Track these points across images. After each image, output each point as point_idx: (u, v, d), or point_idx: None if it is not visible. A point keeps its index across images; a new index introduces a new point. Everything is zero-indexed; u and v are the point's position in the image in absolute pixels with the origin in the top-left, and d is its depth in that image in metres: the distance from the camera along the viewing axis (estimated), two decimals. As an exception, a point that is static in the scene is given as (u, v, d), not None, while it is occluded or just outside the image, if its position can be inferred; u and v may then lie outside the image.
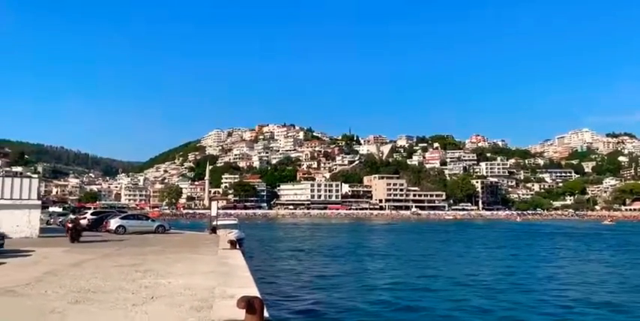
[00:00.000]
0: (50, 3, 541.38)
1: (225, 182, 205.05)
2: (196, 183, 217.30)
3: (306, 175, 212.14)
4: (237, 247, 20.76)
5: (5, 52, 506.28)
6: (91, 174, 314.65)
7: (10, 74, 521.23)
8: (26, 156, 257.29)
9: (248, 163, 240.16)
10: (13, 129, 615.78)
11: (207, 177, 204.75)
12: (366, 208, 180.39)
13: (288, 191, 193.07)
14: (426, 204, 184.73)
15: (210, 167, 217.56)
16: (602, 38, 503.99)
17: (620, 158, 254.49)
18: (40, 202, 28.78)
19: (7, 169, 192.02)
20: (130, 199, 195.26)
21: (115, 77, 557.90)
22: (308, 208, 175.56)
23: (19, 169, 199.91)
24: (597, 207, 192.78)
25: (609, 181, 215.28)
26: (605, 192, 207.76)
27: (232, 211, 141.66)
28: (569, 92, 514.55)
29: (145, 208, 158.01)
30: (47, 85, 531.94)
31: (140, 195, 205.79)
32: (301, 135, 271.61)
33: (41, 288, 10.02)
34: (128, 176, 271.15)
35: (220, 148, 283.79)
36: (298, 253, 38.60)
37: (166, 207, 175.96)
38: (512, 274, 27.05)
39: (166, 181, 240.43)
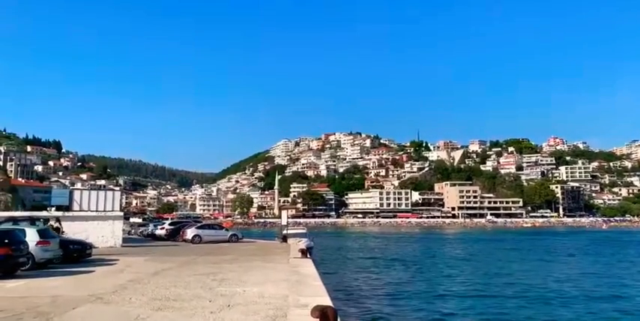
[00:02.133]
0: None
1: (294, 191, 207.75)
2: (266, 192, 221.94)
3: (374, 183, 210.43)
4: (308, 255, 20.93)
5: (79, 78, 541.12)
6: (167, 186, 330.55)
7: (88, 94, 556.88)
8: (108, 170, 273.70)
9: (316, 172, 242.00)
10: (96, 144, 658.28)
11: (276, 186, 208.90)
12: (438, 217, 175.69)
13: (356, 200, 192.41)
14: (501, 211, 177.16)
15: (279, 177, 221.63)
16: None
17: None
18: (122, 214, 30.59)
19: (92, 182, 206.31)
20: (204, 209, 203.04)
21: (187, 92, 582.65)
22: (377, 217, 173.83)
23: (102, 182, 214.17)
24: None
25: None
26: None
27: (301, 220, 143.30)
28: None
29: (219, 218, 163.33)
30: (127, 102, 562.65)
31: (214, 205, 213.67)
32: (368, 142, 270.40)
33: (126, 295, 10.57)
34: (202, 187, 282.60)
35: (288, 157, 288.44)
36: (369, 261, 38.20)
37: (238, 216, 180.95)
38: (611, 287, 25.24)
39: (238, 191, 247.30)
